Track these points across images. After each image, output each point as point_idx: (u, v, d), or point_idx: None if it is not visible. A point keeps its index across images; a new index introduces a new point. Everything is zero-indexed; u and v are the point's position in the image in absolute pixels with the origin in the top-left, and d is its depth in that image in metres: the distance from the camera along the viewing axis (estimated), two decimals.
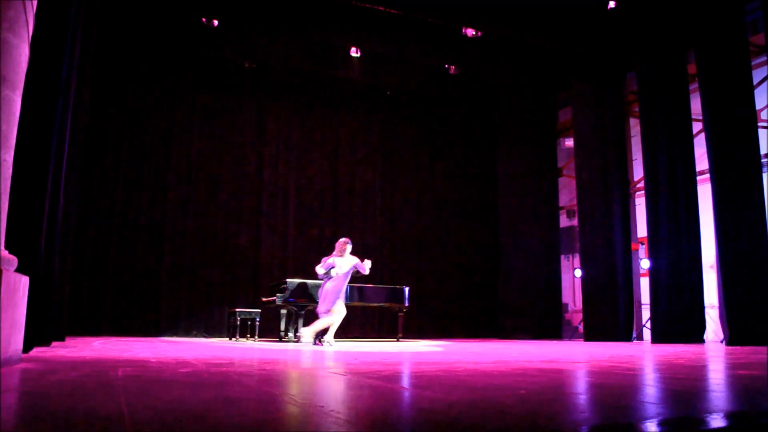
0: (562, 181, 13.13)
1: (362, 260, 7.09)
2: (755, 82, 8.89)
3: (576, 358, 4.58)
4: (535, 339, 11.22)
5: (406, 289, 9.33)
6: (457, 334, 11.89)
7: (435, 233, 13.09)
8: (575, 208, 12.06)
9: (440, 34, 10.53)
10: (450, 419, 1.58)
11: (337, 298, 6.91)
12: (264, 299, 8.99)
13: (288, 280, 8.35)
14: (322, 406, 1.80)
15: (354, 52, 11.18)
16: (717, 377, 3.14)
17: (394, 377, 2.90)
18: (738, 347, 7.17)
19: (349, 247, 7.13)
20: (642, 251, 10.87)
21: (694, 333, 8.87)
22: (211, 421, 1.46)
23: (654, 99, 9.67)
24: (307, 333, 6.83)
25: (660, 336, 9.02)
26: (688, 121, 9.46)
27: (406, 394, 2.21)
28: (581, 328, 11.36)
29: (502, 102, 13.51)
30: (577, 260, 12.08)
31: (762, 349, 6.27)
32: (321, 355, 4.67)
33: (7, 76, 2.96)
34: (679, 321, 8.97)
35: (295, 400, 1.96)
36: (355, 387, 2.42)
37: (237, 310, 8.96)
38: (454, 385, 2.43)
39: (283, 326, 8.96)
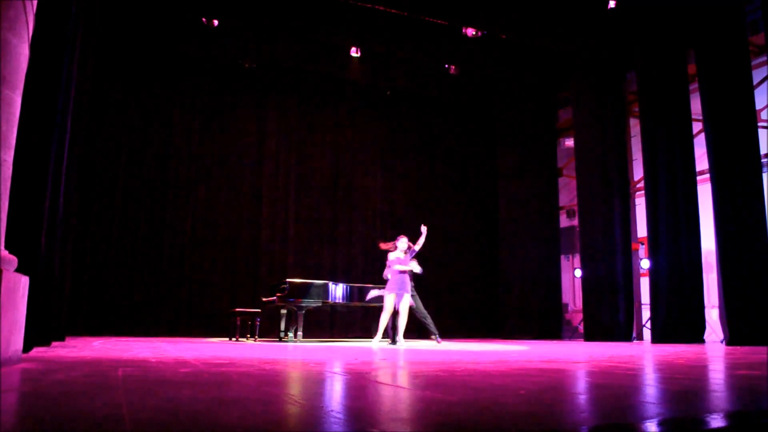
0: (562, 181, 13.14)
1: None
2: (755, 82, 8.89)
3: (576, 358, 4.58)
4: (535, 339, 11.22)
5: None
6: (456, 334, 11.88)
7: (435, 233, 13.04)
8: (575, 208, 12.06)
9: (440, 34, 10.54)
10: (449, 419, 1.58)
11: None
12: (264, 299, 8.99)
13: (288, 280, 8.35)
14: (322, 406, 1.80)
15: (354, 52, 11.18)
16: (717, 377, 3.13)
17: (394, 377, 2.90)
18: (738, 347, 7.17)
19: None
20: (642, 251, 10.86)
21: (694, 333, 8.87)
22: (212, 421, 1.46)
23: (654, 99, 9.67)
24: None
25: (660, 336, 9.02)
26: (688, 121, 9.46)
27: (406, 394, 2.21)
28: (581, 328, 11.36)
29: (502, 102, 13.52)
30: (577, 260, 12.08)
31: (762, 349, 6.26)
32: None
33: (7, 76, 2.96)
34: (679, 321, 8.97)
35: (295, 400, 1.96)
36: (354, 387, 2.42)
37: (237, 310, 8.96)
38: (455, 385, 2.43)
39: (283, 326, 8.96)
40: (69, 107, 5.28)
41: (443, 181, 13.44)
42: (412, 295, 7.38)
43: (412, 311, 7.48)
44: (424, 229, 7.41)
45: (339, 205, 12.43)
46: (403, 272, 7.28)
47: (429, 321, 7.63)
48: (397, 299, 7.23)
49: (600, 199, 10.76)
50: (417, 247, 7.36)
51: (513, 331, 12.05)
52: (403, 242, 7.44)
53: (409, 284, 7.27)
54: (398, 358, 4.42)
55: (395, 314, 7.32)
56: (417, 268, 7.34)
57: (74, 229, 7.25)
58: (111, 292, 10.38)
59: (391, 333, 7.58)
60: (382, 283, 7.77)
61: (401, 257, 7.34)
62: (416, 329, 7.95)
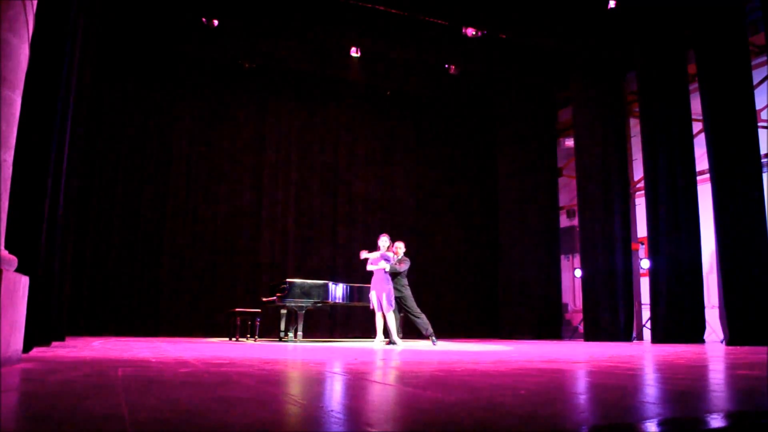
0: (562, 181, 13.13)
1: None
2: (755, 82, 8.89)
3: (576, 358, 4.58)
4: (535, 339, 11.22)
5: None
6: (456, 334, 11.88)
7: (435, 233, 13.09)
8: (575, 208, 12.06)
9: (440, 34, 10.53)
10: (450, 419, 1.58)
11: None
12: (264, 299, 8.99)
13: (288, 280, 8.36)
14: (322, 406, 1.80)
15: (354, 52, 11.18)
16: (717, 377, 3.13)
17: (393, 377, 2.90)
18: (738, 347, 7.17)
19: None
20: (642, 251, 10.86)
21: (694, 333, 8.87)
22: (211, 421, 1.46)
23: (654, 99, 9.67)
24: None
25: (660, 336, 9.02)
26: (688, 121, 9.46)
27: (406, 394, 2.21)
28: (581, 328, 11.35)
29: (502, 102, 13.52)
30: (577, 260, 12.08)
31: (762, 349, 6.27)
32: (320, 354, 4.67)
33: (7, 76, 2.96)
34: (679, 321, 8.97)
35: (295, 400, 1.96)
36: (354, 387, 2.42)
37: (237, 310, 8.96)
38: (454, 385, 2.43)
39: (283, 326, 8.97)
40: (69, 107, 5.28)
41: (443, 181, 13.44)
42: (400, 296, 7.35)
43: (405, 312, 7.46)
44: (397, 255, 7.37)
45: (339, 205, 12.44)
46: (383, 270, 7.28)
47: (422, 320, 7.34)
48: (376, 298, 7.27)
49: (600, 199, 10.76)
50: (391, 256, 7.33)
51: (513, 331, 12.05)
52: (383, 240, 7.43)
53: (385, 283, 7.24)
54: (397, 359, 4.42)
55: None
56: (387, 267, 7.28)
57: (74, 229, 7.25)
58: (111, 292, 10.38)
59: (389, 333, 7.57)
60: None
61: (377, 256, 7.36)
62: (418, 330, 7.93)
